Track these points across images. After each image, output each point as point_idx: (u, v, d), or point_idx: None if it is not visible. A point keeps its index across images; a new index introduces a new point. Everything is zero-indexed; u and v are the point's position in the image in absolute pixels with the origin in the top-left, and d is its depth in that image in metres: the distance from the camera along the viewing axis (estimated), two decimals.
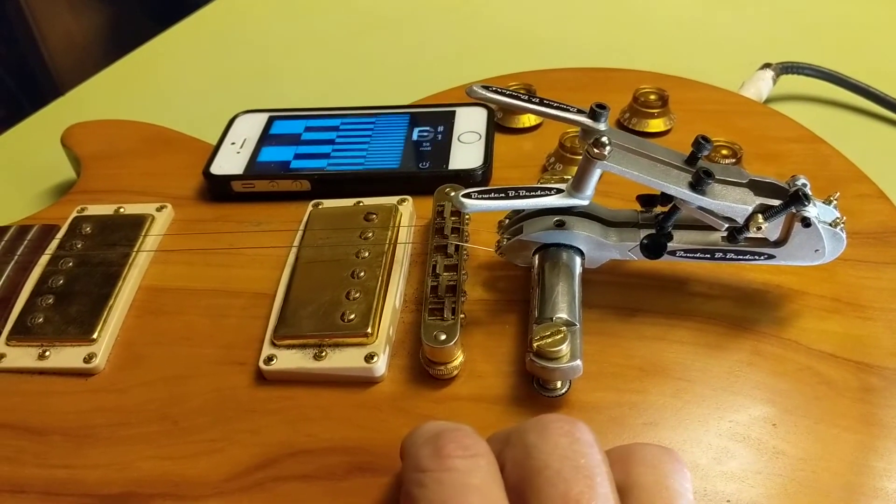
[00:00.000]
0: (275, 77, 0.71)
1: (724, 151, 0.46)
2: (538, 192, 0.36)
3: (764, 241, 0.36)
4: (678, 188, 0.34)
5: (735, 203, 0.35)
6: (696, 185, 0.34)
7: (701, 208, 0.35)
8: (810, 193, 0.34)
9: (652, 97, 0.50)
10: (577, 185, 0.35)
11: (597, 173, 0.35)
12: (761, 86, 0.57)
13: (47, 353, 0.39)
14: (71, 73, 0.75)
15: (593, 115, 0.35)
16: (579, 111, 0.35)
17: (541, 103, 0.36)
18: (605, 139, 0.34)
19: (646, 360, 0.36)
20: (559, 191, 0.36)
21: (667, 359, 0.37)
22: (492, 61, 0.67)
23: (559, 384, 0.35)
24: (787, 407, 0.35)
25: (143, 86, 0.72)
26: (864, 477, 0.32)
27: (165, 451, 0.35)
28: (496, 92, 0.35)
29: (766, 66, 0.59)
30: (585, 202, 0.36)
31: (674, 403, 0.35)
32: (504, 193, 0.35)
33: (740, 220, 0.35)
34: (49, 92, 0.71)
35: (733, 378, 0.36)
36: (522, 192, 0.35)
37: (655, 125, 0.49)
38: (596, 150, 0.34)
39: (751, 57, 0.60)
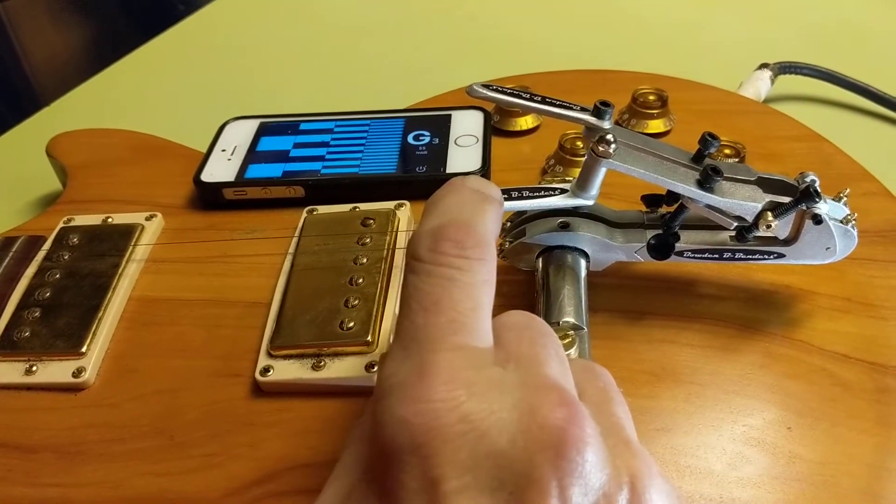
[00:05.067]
0: (266, 84, 0.70)
1: (727, 151, 0.45)
2: (542, 193, 0.35)
3: (773, 240, 0.35)
4: (686, 186, 0.33)
5: (744, 201, 0.34)
6: (705, 183, 0.33)
7: (709, 206, 0.34)
8: (820, 190, 0.34)
9: (651, 98, 0.49)
10: (581, 185, 0.34)
11: (602, 172, 0.34)
12: (759, 86, 0.56)
13: (34, 368, 0.38)
14: (54, 88, 0.74)
15: (597, 113, 0.34)
16: (583, 109, 0.34)
17: (543, 101, 0.35)
18: (610, 137, 0.33)
19: (656, 363, 0.35)
20: (563, 191, 0.35)
21: (677, 362, 0.36)
22: (487, 65, 0.66)
23: None
24: (802, 410, 0.34)
25: (130, 95, 0.70)
26: (884, 480, 0.32)
27: (161, 467, 0.34)
28: (497, 91, 0.35)
29: (764, 66, 0.58)
30: (591, 202, 0.35)
31: (686, 408, 0.34)
32: (507, 194, 0.34)
33: (749, 219, 0.34)
34: (31, 107, 0.69)
35: (746, 381, 0.35)
36: (526, 193, 0.34)
37: (655, 126, 0.48)
38: (601, 148, 0.33)
39: (748, 57, 0.60)
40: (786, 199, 0.34)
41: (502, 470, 0.21)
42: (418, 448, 0.21)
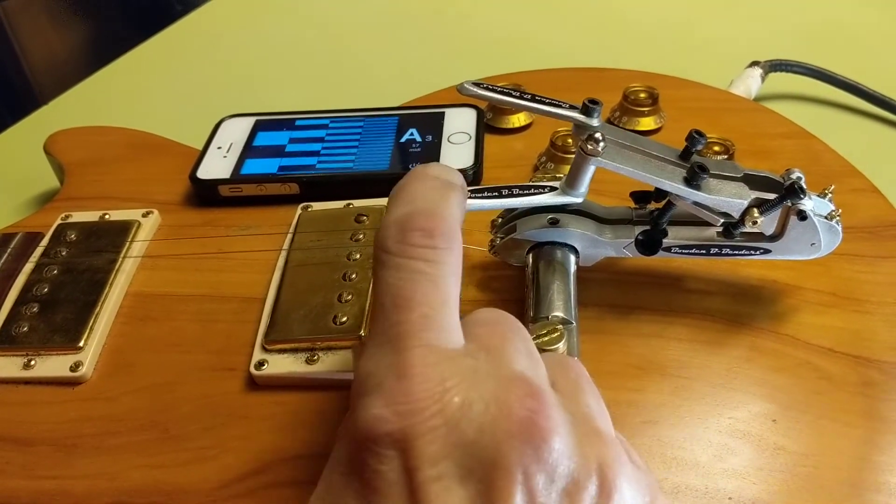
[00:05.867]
0: (262, 82, 0.70)
1: (717, 148, 0.46)
2: (531, 191, 0.35)
3: (760, 236, 0.36)
4: (673, 183, 0.34)
5: (730, 197, 0.34)
6: (691, 180, 0.34)
7: (696, 203, 0.34)
8: (805, 186, 0.34)
9: (642, 95, 0.49)
10: (570, 183, 0.35)
11: (591, 170, 0.34)
12: (750, 83, 0.57)
13: (32, 363, 0.38)
14: (52, 87, 0.74)
15: (586, 111, 0.35)
16: (572, 107, 0.35)
17: (533, 99, 0.35)
18: (598, 135, 0.33)
19: (643, 357, 0.36)
20: (553, 188, 0.35)
21: (665, 356, 0.36)
22: (480, 63, 0.67)
23: None
24: (787, 403, 0.34)
25: (127, 93, 0.71)
26: (867, 472, 0.32)
27: (156, 459, 0.35)
28: (488, 89, 0.35)
29: (755, 64, 0.59)
30: (579, 199, 0.35)
31: (673, 401, 0.34)
32: (497, 192, 0.34)
33: (736, 215, 0.34)
34: (30, 105, 0.70)
35: (732, 375, 0.35)
36: (516, 191, 0.35)
37: (646, 123, 0.49)
38: (590, 147, 0.33)
39: (738, 55, 0.60)
40: (771, 196, 0.34)
41: (472, 458, 0.22)
42: (396, 443, 0.22)
